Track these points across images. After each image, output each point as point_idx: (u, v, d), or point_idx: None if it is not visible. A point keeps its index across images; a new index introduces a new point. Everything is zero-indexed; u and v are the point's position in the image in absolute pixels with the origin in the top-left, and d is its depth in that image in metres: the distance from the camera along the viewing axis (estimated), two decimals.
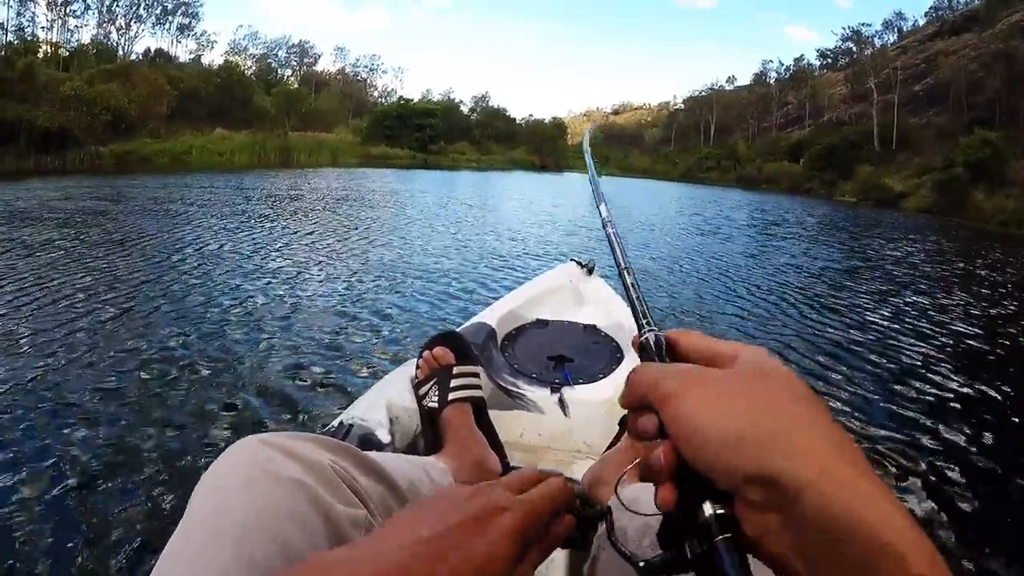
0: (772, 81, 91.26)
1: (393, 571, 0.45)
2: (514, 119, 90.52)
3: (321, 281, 7.48)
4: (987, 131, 44.88)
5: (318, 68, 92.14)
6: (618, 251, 0.83)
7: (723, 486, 0.41)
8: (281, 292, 6.87)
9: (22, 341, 4.87)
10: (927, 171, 48.97)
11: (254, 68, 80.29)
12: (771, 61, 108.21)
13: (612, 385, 2.02)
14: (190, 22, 71.02)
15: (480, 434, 1.56)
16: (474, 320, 2.42)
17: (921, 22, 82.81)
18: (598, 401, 1.93)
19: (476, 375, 1.68)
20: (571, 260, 3.14)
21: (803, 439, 0.38)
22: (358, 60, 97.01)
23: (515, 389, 1.99)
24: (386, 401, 1.68)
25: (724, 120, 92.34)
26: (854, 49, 77.91)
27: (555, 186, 38.10)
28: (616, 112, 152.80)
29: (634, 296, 0.68)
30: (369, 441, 1.53)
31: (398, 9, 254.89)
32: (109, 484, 2.96)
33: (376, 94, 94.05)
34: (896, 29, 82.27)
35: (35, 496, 2.82)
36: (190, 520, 0.66)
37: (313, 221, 12.90)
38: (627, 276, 0.74)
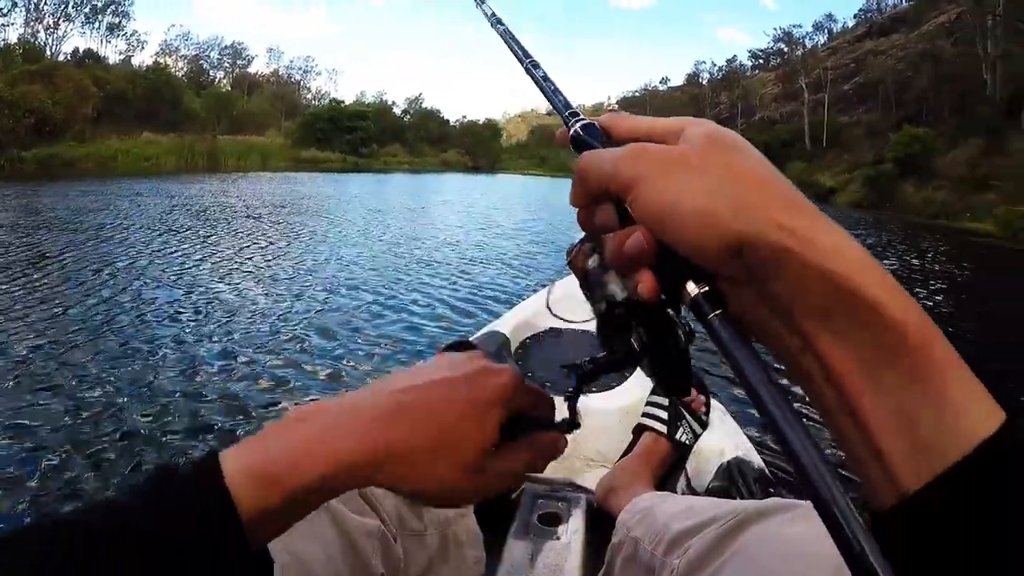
0: (705, 82, 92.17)
1: (387, 410, 0.49)
2: (448, 121, 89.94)
3: (263, 304, 6.97)
4: (915, 127, 45.52)
5: (251, 70, 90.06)
6: (516, 47, 0.76)
7: (704, 262, 0.40)
8: (224, 318, 6.35)
9: None
10: (858, 167, 49.77)
11: (185, 69, 77.89)
12: (704, 62, 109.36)
13: (626, 393, 2.01)
14: (120, 21, 67.82)
15: None
16: (488, 328, 2.46)
17: (850, 23, 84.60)
18: (611, 410, 1.94)
19: None
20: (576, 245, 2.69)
21: (771, 202, 0.38)
22: (292, 62, 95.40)
23: None
24: None
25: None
26: (785, 50, 78.64)
27: (490, 188, 37.97)
28: (550, 113, 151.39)
29: (548, 89, 0.62)
30: None
31: (335, 9, 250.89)
32: None
33: (310, 96, 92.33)
34: (826, 30, 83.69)
35: None
36: None
37: (245, 233, 12.10)
38: (534, 71, 0.67)
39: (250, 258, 9.45)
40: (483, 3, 0.94)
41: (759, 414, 0.36)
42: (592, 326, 1.45)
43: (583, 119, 0.51)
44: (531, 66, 0.67)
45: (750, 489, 1.57)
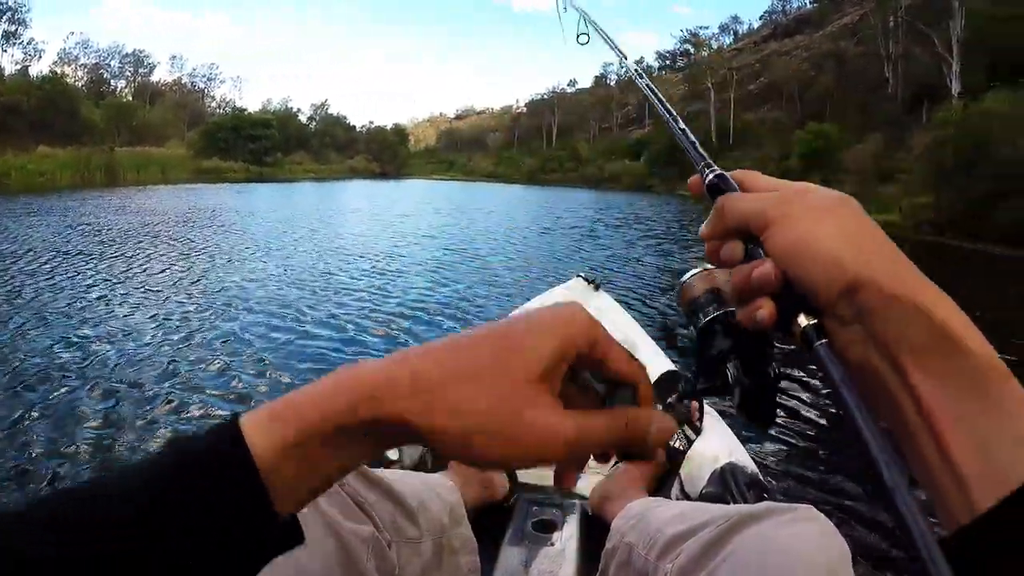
0: (612, 83, 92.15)
1: (430, 344, 0.44)
2: (354, 127, 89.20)
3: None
4: (819, 124, 45.90)
5: (154, 78, 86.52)
6: (657, 96, 0.84)
7: (820, 300, 0.47)
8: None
9: None
10: (764, 163, 48.52)
11: (85, 79, 74.61)
12: (611, 64, 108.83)
13: None
14: (17, 29, 63.24)
15: None
16: None
17: (756, 25, 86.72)
18: None
19: None
20: (577, 276, 3.12)
21: (876, 251, 0.47)
22: (195, 69, 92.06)
23: None
24: None
25: (566, 122, 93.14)
26: (692, 51, 78.83)
27: (398, 195, 37.13)
28: (459, 117, 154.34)
29: (689, 139, 0.67)
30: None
31: (240, 13, 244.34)
32: None
33: (214, 105, 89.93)
34: (732, 32, 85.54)
35: None
36: None
37: (140, 254, 11.17)
38: (677, 122, 0.72)
39: (144, 282, 8.81)
40: (626, 60, 0.99)
41: (849, 429, 0.40)
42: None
43: (717, 170, 0.58)
44: (672, 120, 0.73)
45: (743, 494, 1.55)
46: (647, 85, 0.84)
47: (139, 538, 0.35)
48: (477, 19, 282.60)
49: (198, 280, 8.90)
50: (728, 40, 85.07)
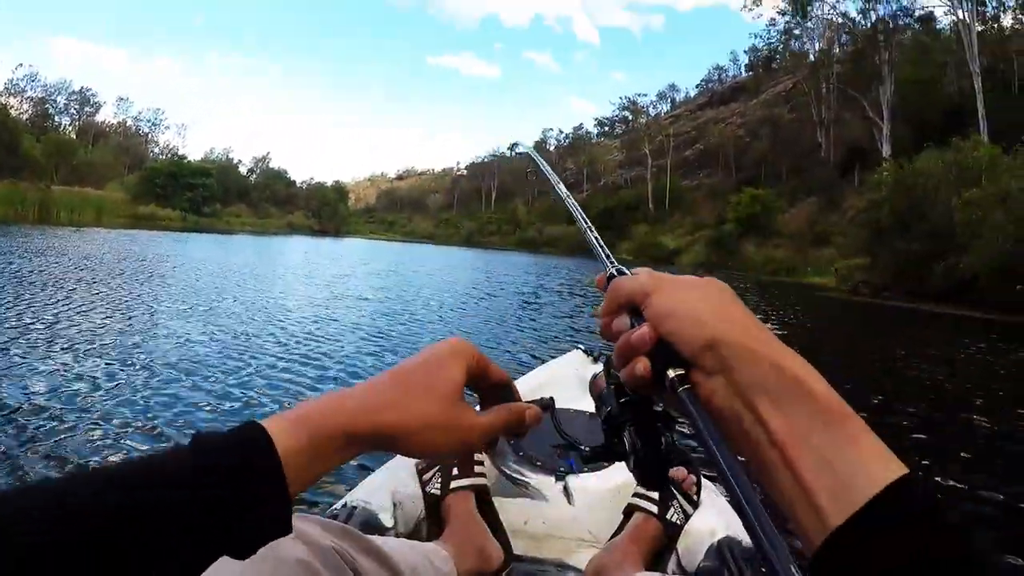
0: (552, 148, 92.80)
1: (382, 376, 0.62)
2: (294, 182, 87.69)
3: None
4: (755, 189, 46.30)
5: (99, 118, 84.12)
6: (579, 212, 0.91)
7: (686, 353, 0.55)
8: None
9: None
10: (700, 228, 50.42)
11: (30, 112, 71.82)
12: (551, 129, 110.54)
13: (617, 473, 2.00)
14: None
15: (481, 522, 1.62)
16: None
17: (693, 93, 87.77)
18: (603, 489, 1.93)
19: (480, 462, 1.74)
20: (577, 348, 3.16)
21: (736, 318, 0.56)
22: (141, 113, 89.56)
23: (520, 476, 1.98)
24: (391, 486, 1.71)
25: (505, 186, 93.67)
26: (630, 118, 79.53)
27: (337, 253, 35.69)
28: (400, 177, 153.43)
29: (597, 242, 0.79)
30: (372, 525, 1.55)
31: (190, 60, 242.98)
32: None
33: (157, 150, 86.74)
34: (670, 99, 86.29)
35: None
36: None
37: (59, 303, 9.88)
38: (592, 231, 0.82)
39: (53, 332, 7.74)
40: (560, 187, 1.03)
41: (712, 465, 0.48)
42: (582, 405, 2.12)
43: (619, 267, 0.70)
44: (588, 228, 0.83)
45: (740, 569, 1.50)
46: (569, 201, 0.95)
47: (187, 503, 0.45)
48: (424, 81, 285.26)
49: (115, 335, 8.05)
50: (665, 107, 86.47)
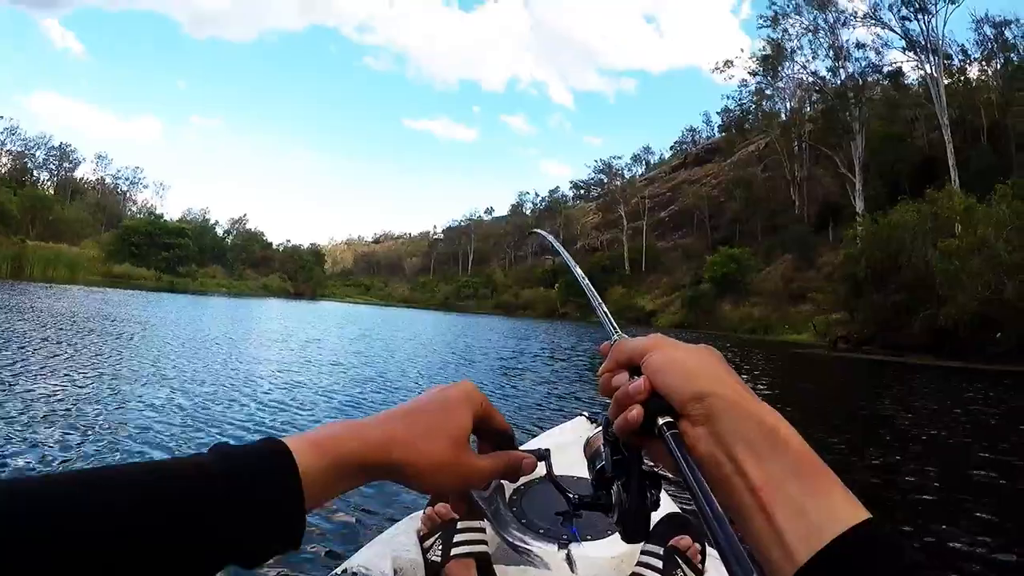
0: (528, 211, 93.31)
1: (397, 412, 0.66)
2: (271, 243, 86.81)
3: None
4: (730, 248, 46.40)
5: (77, 174, 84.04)
6: (592, 291, 0.96)
7: (676, 403, 0.61)
8: None
9: None
10: (677, 289, 50.18)
11: (8, 166, 71.54)
12: (527, 193, 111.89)
13: (620, 543, 1.55)
14: None
15: None
16: None
17: (667, 155, 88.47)
18: (607, 558, 1.95)
19: (481, 530, 1.76)
20: (581, 415, 3.14)
21: (723, 377, 0.61)
22: (120, 171, 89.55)
23: (522, 544, 1.51)
24: (391, 552, 1.75)
25: (482, 250, 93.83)
26: (605, 180, 79.91)
27: (313, 317, 34.93)
28: (377, 241, 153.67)
29: (604, 310, 0.85)
30: None
31: (169, 121, 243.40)
32: None
33: (135, 209, 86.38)
34: (644, 162, 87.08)
35: None
36: None
37: (25, 361, 9.72)
38: (601, 306, 0.88)
39: (20, 399, 7.32)
40: (577, 269, 1.07)
41: (695, 504, 0.53)
42: (585, 472, 1.45)
43: (622, 335, 0.76)
44: (599, 304, 0.88)
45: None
46: (585, 282, 0.99)
47: (204, 503, 0.49)
48: (401, 145, 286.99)
49: (74, 400, 7.59)
50: (640, 170, 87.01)
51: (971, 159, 32.94)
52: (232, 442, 2.67)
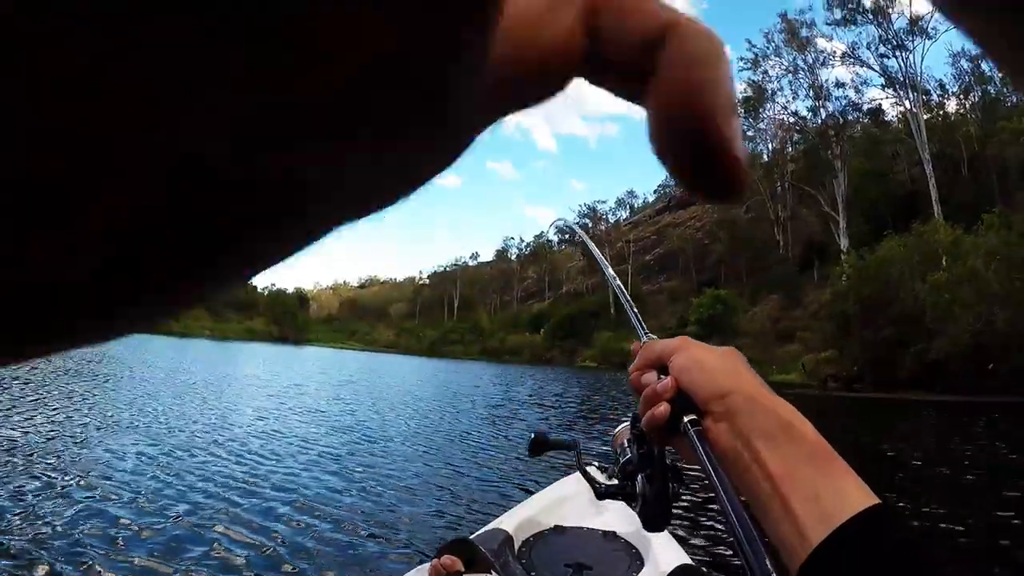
0: (514, 257, 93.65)
1: None
2: (256, 287, 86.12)
3: None
4: (716, 289, 46.35)
5: None
6: (622, 290, 1.01)
7: (699, 401, 0.66)
8: None
9: None
10: (663, 331, 47.64)
11: None
12: (512, 238, 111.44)
13: None
14: None
15: None
16: (491, 526, 2.54)
17: (651, 198, 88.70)
18: None
19: None
20: (592, 465, 2.72)
21: (743, 375, 0.66)
22: None
23: None
24: None
25: (468, 294, 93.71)
26: (590, 224, 79.87)
27: (296, 363, 34.84)
28: (363, 286, 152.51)
29: (634, 312, 0.93)
30: None
31: None
32: None
33: None
34: (628, 205, 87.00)
35: None
36: None
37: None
38: (631, 308, 0.95)
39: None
40: (608, 270, 1.17)
41: (716, 496, 0.58)
42: (595, 523, 2.58)
43: (653, 337, 0.81)
44: (626, 301, 0.97)
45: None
46: (619, 288, 1.03)
47: None
48: None
49: (42, 449, 7.39)
50: (624, 214, 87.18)
51: (953, 192, 33.19)
52: (201, 498, 4.72)
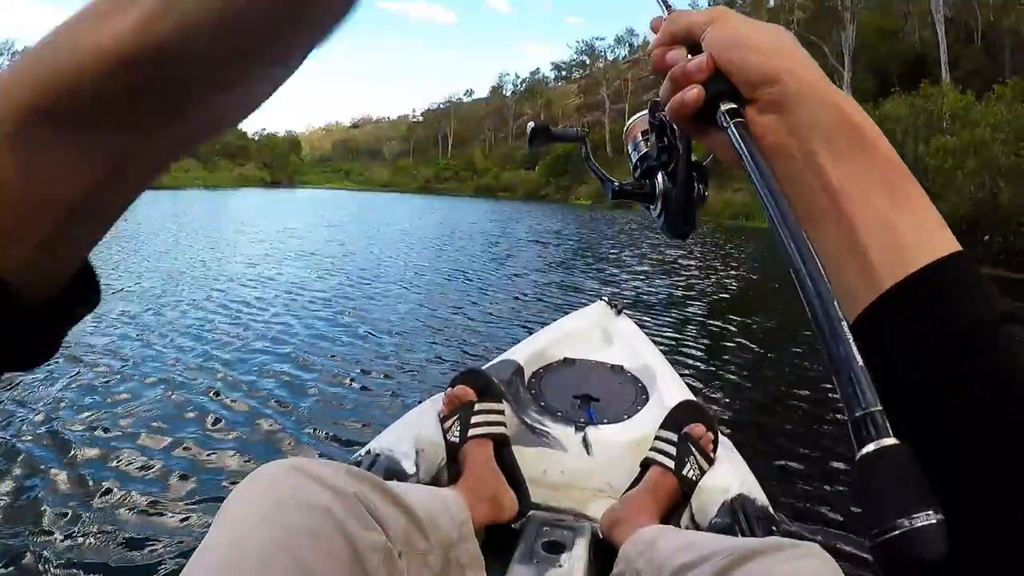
0: (508, 93, 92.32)
1: None
2: (246, 133, 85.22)
3: None
4: None
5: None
6: None
7: (743, 85, 0.52)
8: None
9: None
10: None
11: None
12: (508, 74, 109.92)
13: (636, 426, 2.03)
14: None
15: (497, 470, 1.63)
16: (503, 357, 2.46)
17: (651, 37, 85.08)
18: (621, 442, 1.95)
19: (500, 412, 1.77)
20: (600, 300, 3.17)
21: (800, 57, 0.52)
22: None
23: (540, 426, 2.01)
24: (413, 433, 1.77)
25: (462, 132, 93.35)
26: (587, 62, 78.69)
27: (291, 207, 34.67)
28: (355, 126, 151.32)
29: None
30: (394, 471, 1.61)
31: None
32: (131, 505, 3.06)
33: None
34: (627, 44, 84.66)
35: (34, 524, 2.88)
36: (212, 544, 0.74)
37: None
38: None
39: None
40: None
41: (760, 198, 0.45)
42: (603, 357, 2.56)
43: (674, 6, 0.65)
44: None
45: (752, 527, 1.54)
46: None
47: None
48: (376, 28, 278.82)
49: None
50: (623, 52, 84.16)
51: (963, 59, 32.98)
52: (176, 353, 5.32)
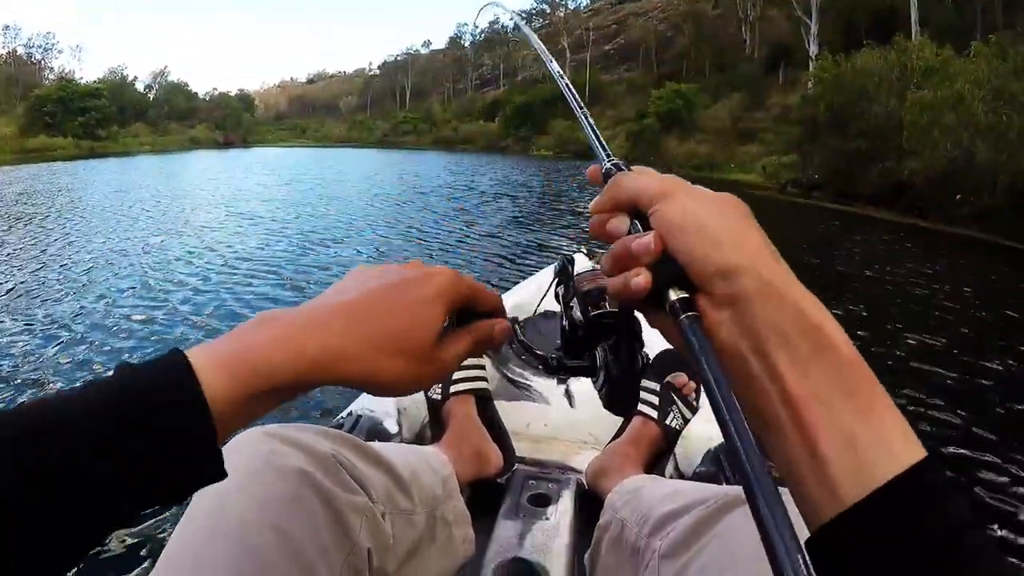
0: (467, 44, 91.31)
1: (341, 313, 0.54)
2: (196, 94, 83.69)
3: None
4: (677, 84, 45.51)
5: None
6: (575, 97, 0.86)
7: (696, 276, 0.49)
8: None
9: None
10: (621, 122, 49.13)
11: None
12: (466, 24, 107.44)
13: None
14: None
15: (480, 425, 1.61)
16: None
17: None
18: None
19: (481, 367, 1.75)
20: (580, 252, 3.03)
21: (756, 247, 0.49)
22: (31, 39, 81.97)
23: (522, 380, 2.00)
24: None
25: (420, 84, 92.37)
26: (548, 11, 77.55)
27: (242, 167, 33.71)
28: (311, 81, 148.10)
29: (593, 132, 0.72)
30: (377, 431, 1.60)
31: None
32: None
33: (52, 77, 79.21)
34: None
35: None
36: (191, 518, 0.71)
37: None
38: (584, 117, 0.77)
39: None
40: (550, 62, 0.98)
41: (711, 406, 0.42)
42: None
43: (617, 160, 0.62)
44: (584, 115, 0.76)
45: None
46: (566, 85, 0.87)
47: (104, 455, 0.39)
48: None
49: None
50: (585, 1, 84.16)
51: (933, 16, 32.36)
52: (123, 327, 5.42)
